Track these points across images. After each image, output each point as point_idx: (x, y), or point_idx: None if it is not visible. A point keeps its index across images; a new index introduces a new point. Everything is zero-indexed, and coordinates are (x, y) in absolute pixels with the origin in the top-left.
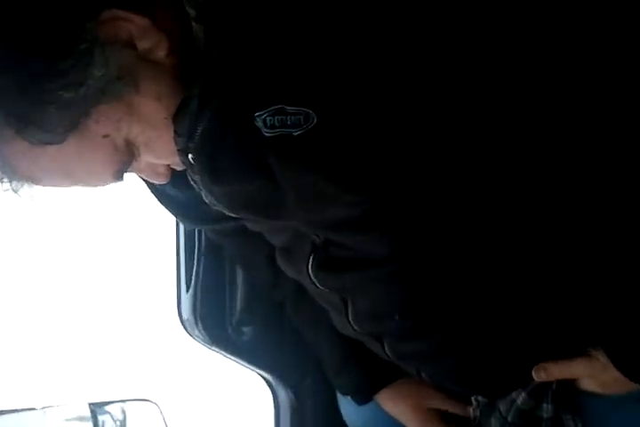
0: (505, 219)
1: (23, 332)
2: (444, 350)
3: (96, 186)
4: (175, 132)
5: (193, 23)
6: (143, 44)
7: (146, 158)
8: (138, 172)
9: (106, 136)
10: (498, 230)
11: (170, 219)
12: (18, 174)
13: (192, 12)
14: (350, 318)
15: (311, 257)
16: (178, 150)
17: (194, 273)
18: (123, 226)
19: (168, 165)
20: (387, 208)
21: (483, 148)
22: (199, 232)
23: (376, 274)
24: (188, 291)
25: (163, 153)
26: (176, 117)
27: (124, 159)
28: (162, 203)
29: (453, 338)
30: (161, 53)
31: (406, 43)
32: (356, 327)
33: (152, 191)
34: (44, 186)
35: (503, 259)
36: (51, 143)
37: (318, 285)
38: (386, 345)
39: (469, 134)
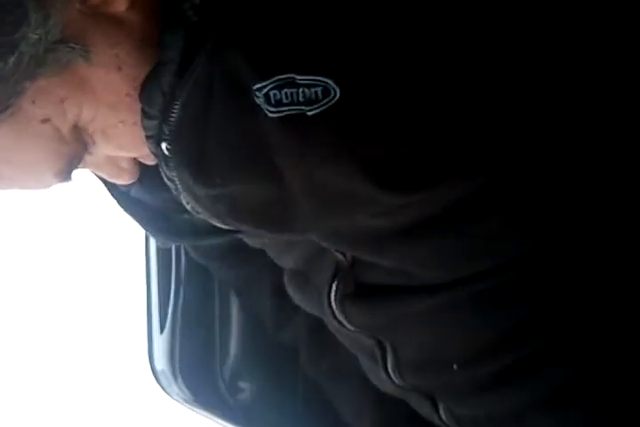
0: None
1: None
2: (530, 410)
3: (35, 188)
4: (143, 111)
5: None
6: None
7: (103, 150)
8: (93, 168)
9: (46, 121)
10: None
11: (136, 232)
12: None
13: None
14: (390, 369)
15: (334, 284)
16: (147, 137)
17: (170, 307)
18: (71, 242)
19: (134, 159)
20: (440, 215)
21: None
22: (177, 251)
23: (426, 307)
24: (162, 332)
25: (126, 142)
26: (144, 93)
27: (73, 152)
28: (125, 210)
29: (542, 394)
30: (120, 6)
31: None
32: (397, 381)
33: (112, 194)
34: None
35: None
36: None
37: (344, 322)
38: (440, 407)
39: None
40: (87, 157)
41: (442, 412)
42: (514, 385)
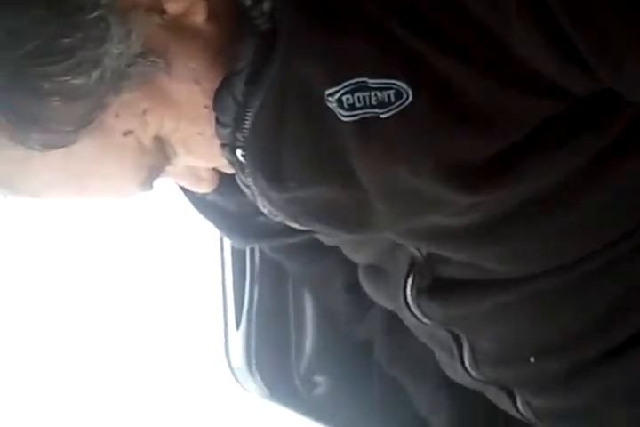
0: None
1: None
2: (610, 403)
3: (117, 198)
4: (217, 120)
5: None
6: (174, 7)
7: (183, 161)
8: (173, 178)
9: (129, 133)
10: None
11: (211, 233)
12: (12, 190)
13: None
14: (466, 363)
15: (410, 278)
16: (222, 145)
17: (245, 304)
18: (146, 241)
19: (213, 169)
20: (512, 213)
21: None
22: (251, 249)
23: (502, 300)
24: (238, 328)
25: (205, 153)
26: (217, 101)
27: (155, 163)
28: (200, 212)
29: (622, 387)
30: (199, 18)
31: None
32: (474, 375)
33: (188, 198)
34: (48, 200)
35: None
36: (56, 147)
37: (420, 316)
38: (518, 399)
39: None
40: (168, 168)
41: (519, 404)
42: (591, 378)
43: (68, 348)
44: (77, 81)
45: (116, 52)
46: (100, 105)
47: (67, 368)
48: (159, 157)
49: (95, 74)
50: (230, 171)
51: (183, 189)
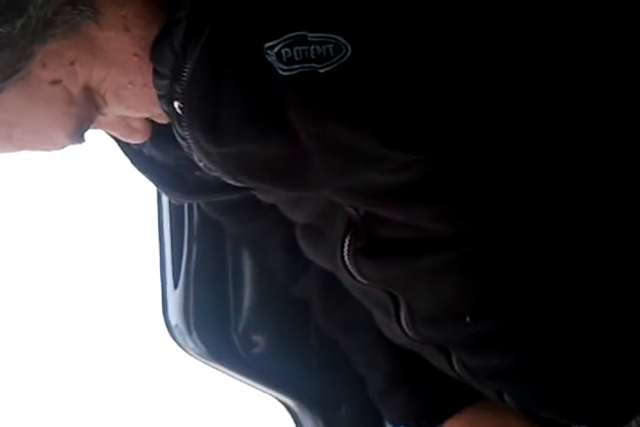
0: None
1: None
2: (539, 363)
3: (48, 150)
4: (155, 71)
5: None
6: None
7: (115, 111)
8: (105, 128)
9: (56, 83)
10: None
11: (148, 190)
12: None
13: None
14: (403, 322)
15: (347, 238)
16: (159, 97)
17: (183, 263)
18: (84, 199)
19: (146, 119)
20: (453, 169)
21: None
22: (190, 208)
23: (439, 260)
24: (176, 287)
25: (137, 102)
26: (154, 52)
27: (84, 113)
28: (138, 168)
29: (551, 346)
30: None
31: None
32: (410, 334)
33: (125, 152)
34: None
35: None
36: None
37: (357, 276)
38: (453, 358)
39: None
40: (99, 118)
41: (455, 363)
42: (524, 336)
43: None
44: (1, 30)
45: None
46: (25, 55)
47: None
48: (89, 106)
49: (19, 22)
50: (163, 121)
51: (119, 142)
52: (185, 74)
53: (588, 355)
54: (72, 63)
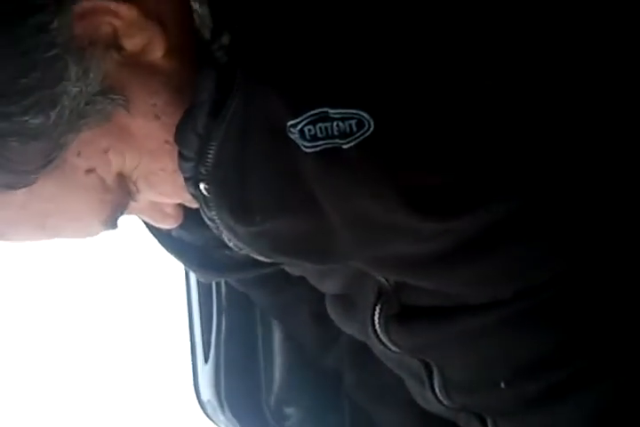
0: None
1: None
2: (580, 425)
3: (82, 237)
4: (180, 154)
5: (194, 4)
6: (132, 44)
7: (147, 197)
8: (138, 214)
9: (91, 171)
10: None
11: (177, 266)
12: None
13: None
14: (437, 390)
15: (378, 306)
16: (185, 179)
17: (213, 337)
18: (113, 277)
19: (178, 204)
20: (482, 238)
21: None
22: (217, 282)
23: (471, 326)
24: (206, 362)
25: (169, 188)
26: (179, 135)
27: (118, 200)
28: (166, 248)
29: (591, 408)
30: (157, 54)
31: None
32: (445, 402)
33: (152, 234)
34: (10, 241)
35: None
36: (17, 187)
37: (389, 345)
38: (489, 425)
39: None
40: (132, 204)
41: None
42: (561, 402)
43: (43, 388)
44: (36, 121)
45: (75, 90)
46: (59, 144)
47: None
48: (122, 194)
49: (53, 113)
50: (195, 206)
51: (147, 224)
52: (210, 156)
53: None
54: (105, 151)
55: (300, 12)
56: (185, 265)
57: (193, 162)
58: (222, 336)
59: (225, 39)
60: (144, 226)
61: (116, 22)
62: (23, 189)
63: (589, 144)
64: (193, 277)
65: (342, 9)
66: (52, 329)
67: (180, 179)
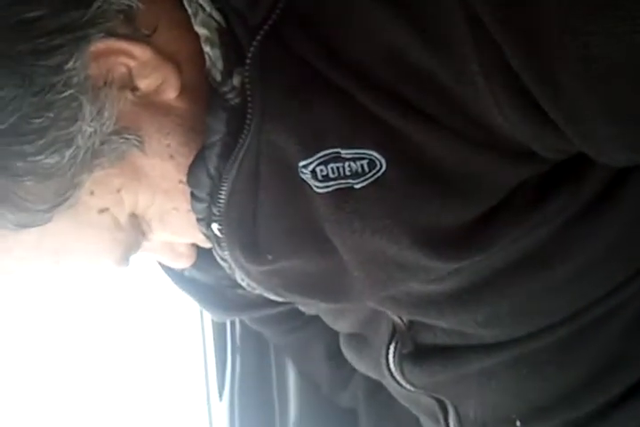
0: None
1: None
2: None
3: (96, 274)
4: (192, 195)
5: (205, 47)
6: (146, 84)
7: (160, 236)
8: (151, 253)
9: (104, 211)
10: None
11: (191, 305)
12: None
13: (204, 33)
14: None
15: (392, 345)
16: (198, 220)
17: (228, 375)
18: (127, 315)
19: (191, 243)
20: (494, 276)
21: None
22: (232, 320)
23: (486, 365)
24: (221, 399)
25: (182, 228)
26: (192, 176)
27: (131, 240)
28: (181, 288)
29: None
30: (171, 94)
31: None
32: None
33: (165, 273)
34: (22, 278)
35: None
36: (30, 226)
37: (403, 383)
38: None
39: None
40: (145, 244)
41: None
42: None
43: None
44: (50, 160)
45: (89, 130)
46: (73, 184)
47: None
48: (135, 233)
49: (68, 153)
50: (208, 245)
51: (161, 264)
52: (222, 197)
53: None
54: (119, 191)
55: (311, 55)
56: (198, 303)
57: (205, 203)
58: (237, 375)
59: (236, 81)
60: (158, 265)
61: (131, 62)
62: (37, 228)
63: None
64: (207, 315)
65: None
66: (62, 370)
67: (193, 218)
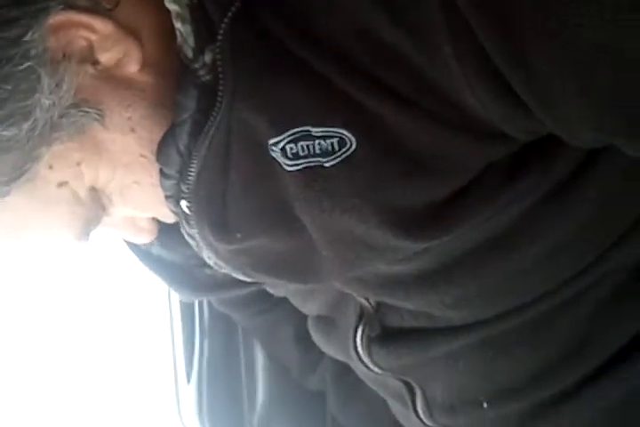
0: None
1: None
2: None
3: (54, 249)
4: (161, 172)
5: (176, 23)
6: (107, 57)
7: (121, 211)
8: (112, 228)
9: (63, 185)
10: None
11: (159, 287)
12: None
13: (175, 8)
14: (420, 411)
15: (360, 328)
16: (166, 197)
17: (196, 359)
18: (92, 296)
19: (152, 218)
20: (462, 256)
21: None
22: (200, 303)
23: (453, 347)
24: (189, 382)
25: (144, 202)
26: (161, 153)
27: (91, 214)
28: (147, 267)
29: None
30: (132, 68)
31: None
32: (428, 423)
33: (133, 252)
34: None
35: None
36: None
37: (371, 366)
38: None
39: None
40: (106, 218)
41: None
42: (542, 423)
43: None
44: (8, 133)
45: (48, 102)
46: (31, 157)
47: None
48: (95, 207)
49: (26, 125)
50: (169, 220)
51: (127, 242)
52: (191, 174)
53: None
54: (78, 164)
55: (283, 31)
56: (166, 283)
57: (174, 180)
58: (205, 359)
59: (207, 58)
60: (125, 243)
61: (91, 36)
62: None
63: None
64: (175, 297)
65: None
66: (30, 345)
67: (156, 192)
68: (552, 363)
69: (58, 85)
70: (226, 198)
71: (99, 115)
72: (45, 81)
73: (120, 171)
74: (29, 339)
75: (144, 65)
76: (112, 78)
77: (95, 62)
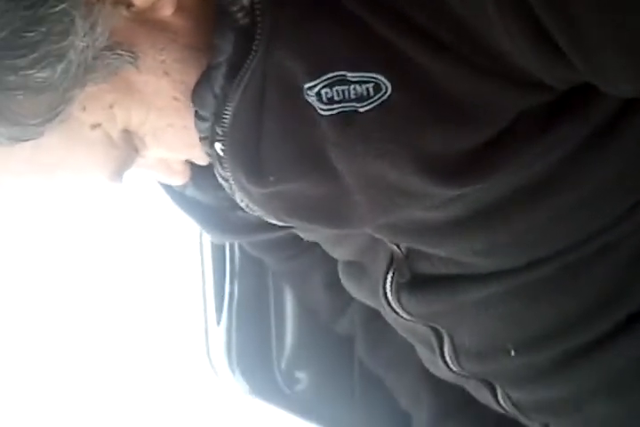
0: None
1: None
2: (585, 395)
3: (88, 190)
4: (196, 114)
5: None
6: (141, 0)
7: (154, 153)
8: (145, 169)
9: (96, 126)
10: None
11: (191, 229)
12: None
13: None
14: (447, 357)
15: (390, 274)
16: (201, 139)
17: (226, 300)
18: (125, 237)
19: (186, 160)
20: (496, 204)
21: None
22: (231, 245)
23: (482, 294)
24: (218, 324)
25: (177, 145)
26: (196, 95)
27: (124, 156)
28: (181, 208)
29: (598, 377)
30: (166, 11)
31: None
32: (455, 369)
33: (167, 193)
34: (17, 193)
35: None
36: (23, 140)
37: (400, 312)
38: (498, 392)
39: None
40: (139, 160)
41: (500, 397)
42: (572, 372)
43: (50, 345)
44: (42, 74)
45: (82, 45)
46: (65, 98)
47: (50, 365)
48: (128, 149)
49: (60, 67)
50: (203, 163)
51: (162, 183)
52: (226, 117)
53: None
54: (111, 106)
55: None
56: (198, 225)
57: (209, 122)
58: (235, 300)
59: (245, 0)
60: (158, 184)
61: None
62: (30, 143)
63: None
64: (206, 239)
65: None
66: (58, 292)
67: (189, 135)
68: (588, 310)
69: (92, 28)
70: (260, 142)
71: (132, 57)
72: (79, 23)
73: (153, 113)
74: (61, 280)
75: (179, 8)
76: (146, 21)
77: (129, 5)
